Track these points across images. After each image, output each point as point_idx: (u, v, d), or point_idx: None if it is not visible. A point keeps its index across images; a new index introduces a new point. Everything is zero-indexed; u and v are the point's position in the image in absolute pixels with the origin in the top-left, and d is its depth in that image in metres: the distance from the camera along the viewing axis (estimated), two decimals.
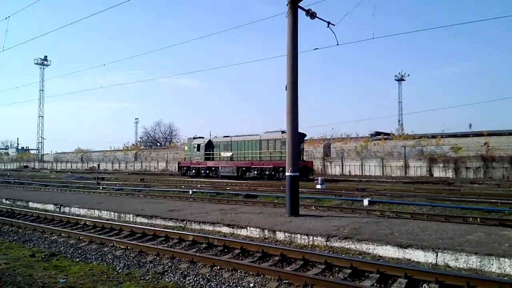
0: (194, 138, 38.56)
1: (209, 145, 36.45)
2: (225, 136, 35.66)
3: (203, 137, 38.18)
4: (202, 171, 35.84)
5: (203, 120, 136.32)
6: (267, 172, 30.78)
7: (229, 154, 34.22)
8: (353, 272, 6.04)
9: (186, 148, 39.90)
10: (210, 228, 9.96)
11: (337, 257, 6.71)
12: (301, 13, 10.96)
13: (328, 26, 11.47)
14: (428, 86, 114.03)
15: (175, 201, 15.90)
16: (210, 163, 35.49)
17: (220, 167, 34.30)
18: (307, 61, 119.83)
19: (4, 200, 17.68)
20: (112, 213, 12.69)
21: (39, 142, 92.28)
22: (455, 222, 10.13)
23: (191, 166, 37.07)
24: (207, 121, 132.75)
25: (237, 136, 34.63)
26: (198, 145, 36.65)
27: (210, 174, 35.39)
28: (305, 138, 34.30)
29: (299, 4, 10.87)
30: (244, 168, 32.54)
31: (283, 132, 29.68)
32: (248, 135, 33.65)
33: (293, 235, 8.47)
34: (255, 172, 31.50)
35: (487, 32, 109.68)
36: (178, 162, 41.54)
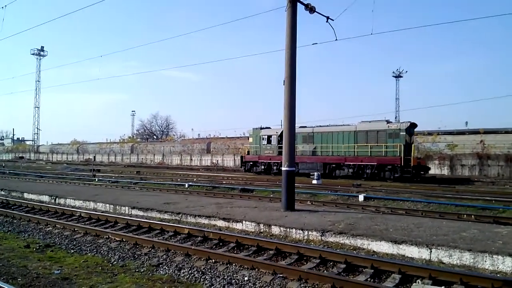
0: (261, 128, 32.37)
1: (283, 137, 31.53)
2: (301, 127, 29.81)
3: (269, 127, 32.51)
4: (275, 167, 29.78)
5: (201, 113, 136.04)
6: (367, 171, 25.03)
7: (310, 147, 28.72)
8: (347, 267, 6.08)
9: (251, 140, 33.44)
10: (206, 221, 9.97)
11: (331, 252, 6.75)
12: (300, 8, 10.91)
13: (327, 21, 11.41)
14: (425, 83, 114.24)
15: (171, 194, 15.89)
16: None
17: (300, 163, 27.73)
18: (305, 55, 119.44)
19: None
20: (107, 205, 12.67)
21: (35, 133, 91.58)
22: (450, 219, 10.19)
23: (259, 161, 31.37)
24: (206, 115, 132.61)
25: (321, 126, 29.50)
26: (269, 137, 30.87)
27: None
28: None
29: None
30: (334, 165, 27.08)
31: (388, 122, 25.93)
32: (337, 125, 28.55)
33: (288, 229, 8.51)
34: (350, 170, 25.94)
35: (485, 30, 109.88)
36: (241, 156, 34.60)
